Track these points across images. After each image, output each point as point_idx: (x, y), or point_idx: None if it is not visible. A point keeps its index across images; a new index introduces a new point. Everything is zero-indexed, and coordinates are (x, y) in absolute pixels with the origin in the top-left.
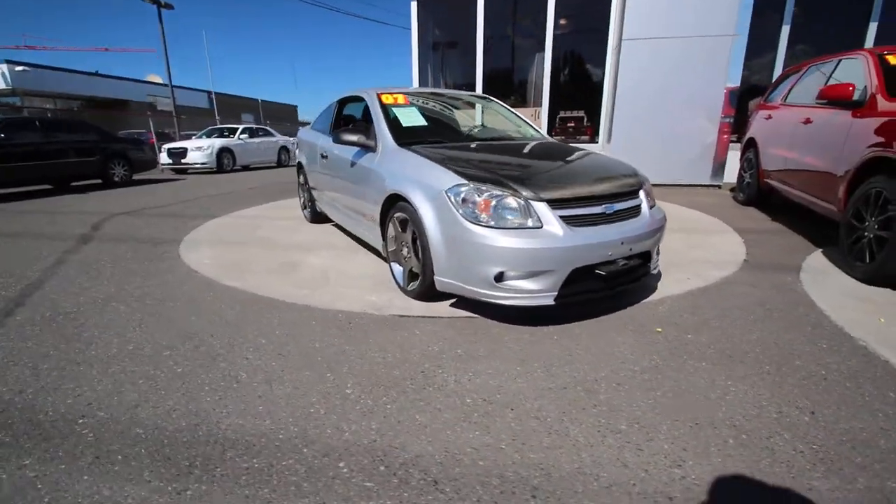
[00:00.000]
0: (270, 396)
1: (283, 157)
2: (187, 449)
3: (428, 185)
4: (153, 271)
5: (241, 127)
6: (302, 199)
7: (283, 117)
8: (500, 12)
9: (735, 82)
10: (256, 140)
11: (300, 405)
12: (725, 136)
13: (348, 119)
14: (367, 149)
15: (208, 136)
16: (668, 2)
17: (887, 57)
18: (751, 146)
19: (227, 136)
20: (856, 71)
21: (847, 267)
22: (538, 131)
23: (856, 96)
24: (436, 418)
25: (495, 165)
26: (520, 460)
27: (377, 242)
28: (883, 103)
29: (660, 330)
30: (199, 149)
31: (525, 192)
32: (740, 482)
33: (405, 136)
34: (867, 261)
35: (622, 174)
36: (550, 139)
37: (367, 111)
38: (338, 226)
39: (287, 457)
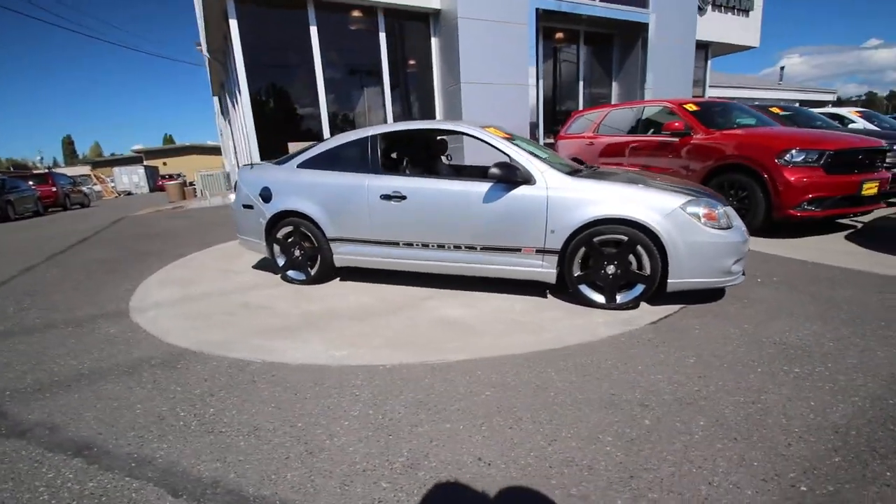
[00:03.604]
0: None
1: None
2: None
3: (654, 205)
4: (322, 392)
5: None
6: (286, 259)
7: None
8: (334, 44)
9: (534, 119)
10: None
11: (806, 387)
12: None
13: (398, 155)
14: (514, 184)
15: None
16: (488, 56)
17: (684, 105)
18: None
19: None
20: (661, 114)
21: None
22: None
23: (683, 129)
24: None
25: (667, 182)
26: None
27: (542, 273)
28: (701, 134)
29: (760, 280)
30: None
31: (721, 201)
32: None
33: (558, 168)
34: None
35: None
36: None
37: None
38: (359, 278)
39: None
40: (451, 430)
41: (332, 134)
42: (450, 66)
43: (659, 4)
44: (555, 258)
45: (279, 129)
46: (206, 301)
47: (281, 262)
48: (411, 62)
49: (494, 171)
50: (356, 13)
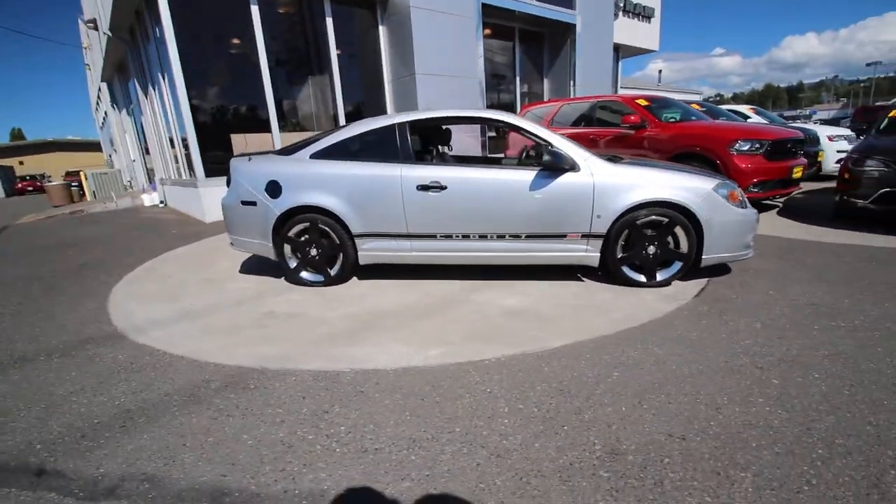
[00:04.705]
0: None
1: None
2: None
3: (692, 187)
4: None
5: None
6: (299, 261)
7: None
8: (280, 28)
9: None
10: None
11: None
12: (484, 150)
13: (425, 143)
14: (561, 171)
15: None
16: (441, 48)
17: (637, 100)
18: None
19: None
20: (614, 108)
21: None
22: None
23: (640, 122)
24: None
25: (681, 166)
26: None
27: (586, 257)
28: (654, 127)
29: None
30: None
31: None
32: None
33: (597, 155)
34: None
35: None
36: None
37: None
38: (377, 276)
39: None
40: (616, 413)
41: (280, 125)
42: (402, 56)
43: (583, 7)
44: (599, 242)
45: (218, 120)
46: (218, 315)
47: (293, 263)
48: (359, 51)
49: (547, 159)
50: None
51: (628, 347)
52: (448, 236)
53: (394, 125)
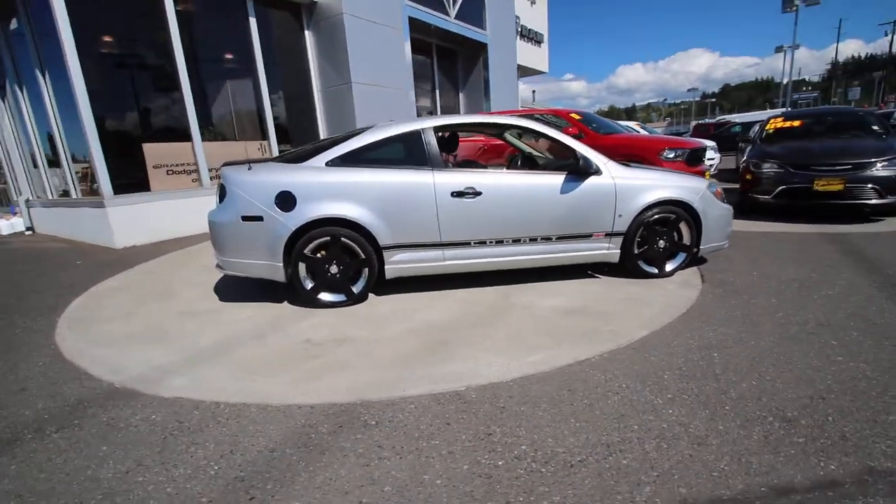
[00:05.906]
0: None
1: None
2: None
3: (692, 187)
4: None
5: None
6: (316, 281)
7: None
8: (198, 24)
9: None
10: None
11: None
12: None
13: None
14: (587, 175)
15: None
16: (376, 57)
17: (571, 114)
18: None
19: None
20: (551, 122)
21: None
22: None
23: (578, 133)
24: None
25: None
26: None
27: (608, 254)
28: (590, 138)
29: None
30: None
31: None
32: None
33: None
34: None
35: None
36: None
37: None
38: (393, 290)
39: None
40: (753, 387)
41: (202, 133)
42: (334, 64)
43: (493, 28)
44: (620, 239)
45: (122, 128)
46: (244, 351)
47: (309, 284)
48: (282, 57)
49: (581, 164)
50: None
51: (701, 331)
52: (482, 242)
53: (420, 130)
